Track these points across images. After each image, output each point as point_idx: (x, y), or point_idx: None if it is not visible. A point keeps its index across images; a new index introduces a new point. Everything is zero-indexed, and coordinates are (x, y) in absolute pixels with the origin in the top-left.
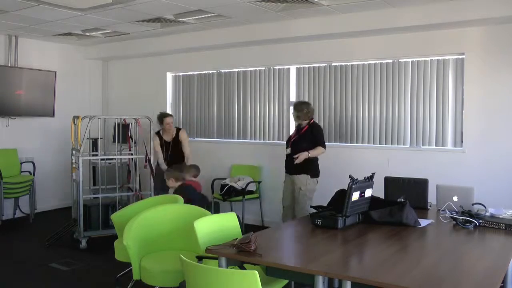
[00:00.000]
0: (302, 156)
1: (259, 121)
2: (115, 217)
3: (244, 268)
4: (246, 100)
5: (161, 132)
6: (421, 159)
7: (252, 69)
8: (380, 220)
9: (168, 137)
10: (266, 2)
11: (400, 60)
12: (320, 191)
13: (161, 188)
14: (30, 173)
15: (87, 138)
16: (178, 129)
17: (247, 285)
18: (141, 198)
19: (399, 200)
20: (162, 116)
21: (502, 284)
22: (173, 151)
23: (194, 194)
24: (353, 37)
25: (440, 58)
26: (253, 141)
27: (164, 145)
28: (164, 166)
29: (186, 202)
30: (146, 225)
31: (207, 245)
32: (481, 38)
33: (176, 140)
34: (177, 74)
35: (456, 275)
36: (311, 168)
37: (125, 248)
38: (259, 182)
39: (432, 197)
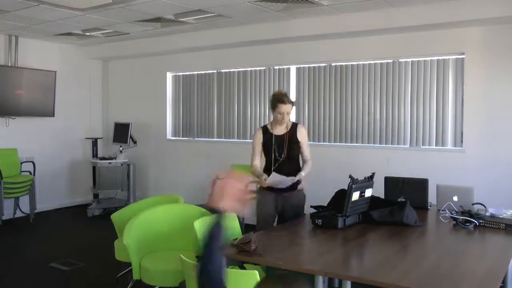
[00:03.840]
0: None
1: (259, 121)
2: (115, 217)
3: (244, 268)
4: (246, 100)
5: (269, 126)
6: (421, 159)
7: (252, 69)
8: (381, 220)
9: (280, 131)
10: (266, 2)
11: (400, 60)
12: (320, 191)
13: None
14: (30, 173)
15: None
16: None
17: (247, 285)
18: None
19: (399, 200)
20: (277, 100)
21: (502, 284)
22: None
23: None
24: (353, 37)
25: (440, 58)
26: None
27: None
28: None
29: None
30: (146, 225)
31: None
32: (481, 38)
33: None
34: (177, 74)
35: (456, 275)
36: None
37: (125, 248)
38: None
39: (432, 197)
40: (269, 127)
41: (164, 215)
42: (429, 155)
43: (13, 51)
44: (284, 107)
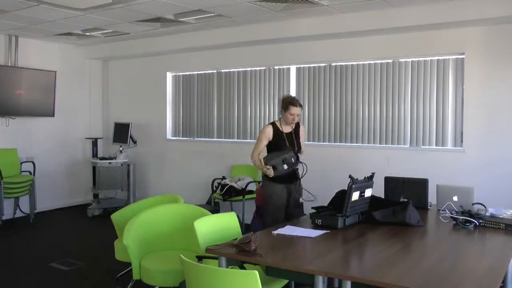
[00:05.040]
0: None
1: (259, 121)
2: (115, 217)
3: (244, 268)
4: (246, 100)
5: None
6: (421, 159)
7: (252, 69)
8: (383, 220)
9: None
10: (266, 2)
11: (400, 60)
12: (320, 191)
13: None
14: (30, 173)
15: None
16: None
17: (247, 285)
18: None
19: (401, 200)
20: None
21: (502, 284)
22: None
23: None
24: (353, 37)
25: (440, 58)
26: (253, 141)
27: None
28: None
29: None
30: (146, 225)
31: (207, 245)
32: (481, 38)
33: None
34: (177, 74)
35: (456, 275)
36: None
37: (125, 248)
38: (259, 182)
39: (432, 197)
40: (277, 124)
41: (164, 215)
42: (429, 155)
43: (13, 51)
44: (295, 109)
